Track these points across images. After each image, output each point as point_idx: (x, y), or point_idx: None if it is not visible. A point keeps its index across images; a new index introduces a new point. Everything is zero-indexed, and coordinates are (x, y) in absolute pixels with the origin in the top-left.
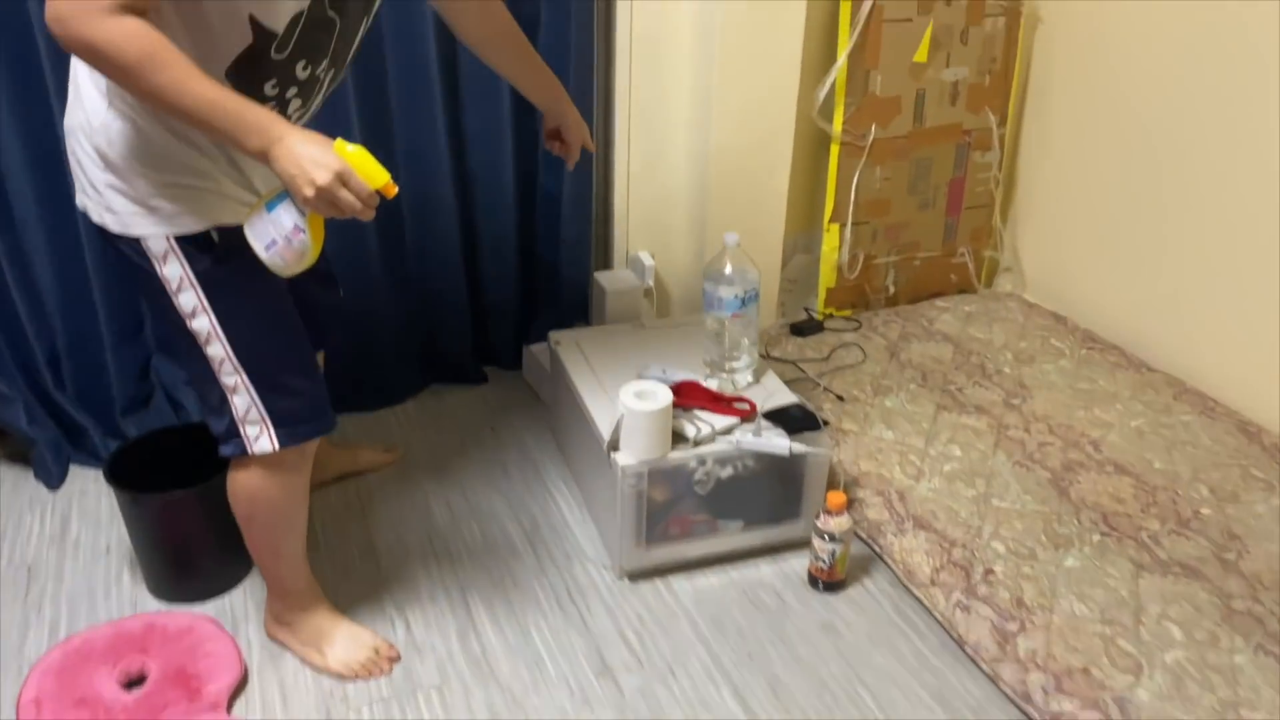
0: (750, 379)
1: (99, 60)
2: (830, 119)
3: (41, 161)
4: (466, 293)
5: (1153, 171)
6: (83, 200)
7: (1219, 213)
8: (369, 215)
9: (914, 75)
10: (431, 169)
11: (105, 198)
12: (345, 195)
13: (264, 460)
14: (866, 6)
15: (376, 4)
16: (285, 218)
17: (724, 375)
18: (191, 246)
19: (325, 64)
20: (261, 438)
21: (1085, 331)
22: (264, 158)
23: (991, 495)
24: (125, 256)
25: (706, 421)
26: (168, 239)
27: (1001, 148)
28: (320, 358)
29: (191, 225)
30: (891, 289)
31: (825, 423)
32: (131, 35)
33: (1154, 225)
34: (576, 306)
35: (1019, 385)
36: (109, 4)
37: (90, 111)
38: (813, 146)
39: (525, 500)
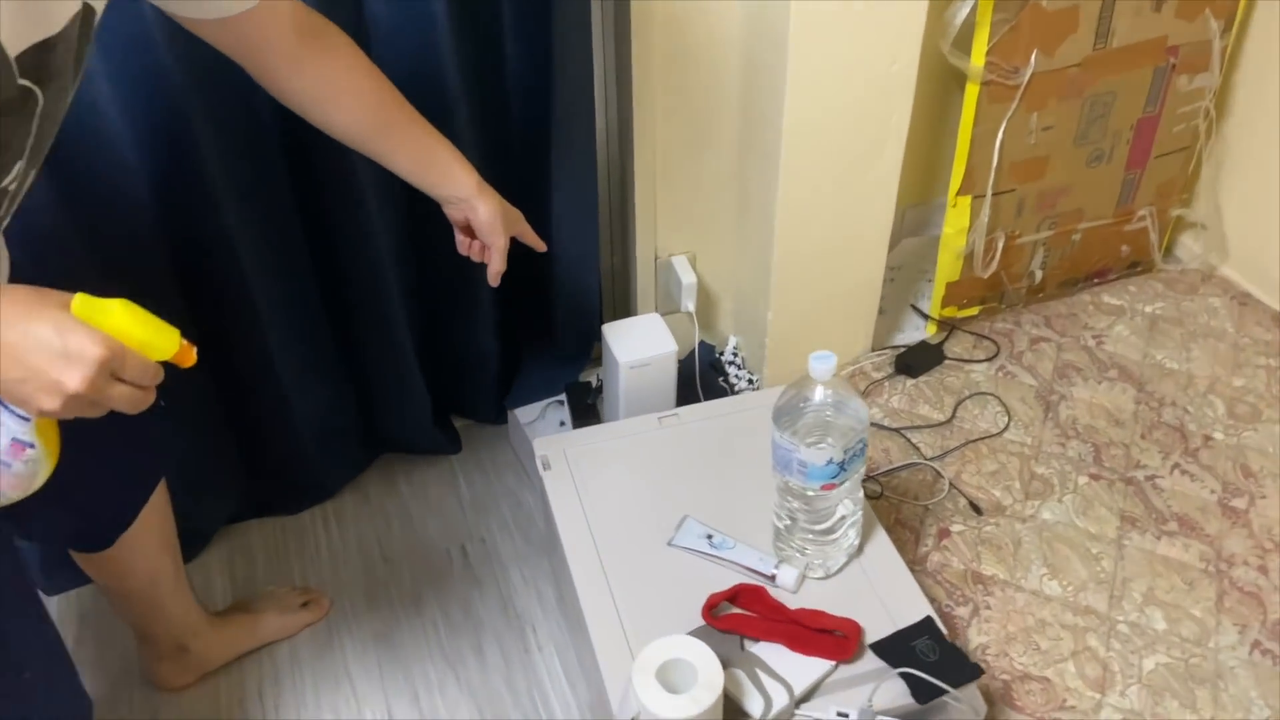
0: (846, 559)
1: None
2: (968, 51)
3: None
4: (415, 329)
5: None
6: None
7: None
8: (148, 401)
9: None
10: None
11: None
12: (117, 392)
13: None
14: None
15: (88, 59)
16: None
17: (805, 556)
18: None
19: (21, 166)
20: None
21: None
22: None
23: None
24: None
25: (780, 679)
26: None
27: (1221, 66)
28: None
29: None
30: (1038, 275)
31: (979, 669)
32: None
33: None
34: (581, 335)
35: (1241, 468)
36: None
37: None
38: (939, 90)
39: (507, 703)
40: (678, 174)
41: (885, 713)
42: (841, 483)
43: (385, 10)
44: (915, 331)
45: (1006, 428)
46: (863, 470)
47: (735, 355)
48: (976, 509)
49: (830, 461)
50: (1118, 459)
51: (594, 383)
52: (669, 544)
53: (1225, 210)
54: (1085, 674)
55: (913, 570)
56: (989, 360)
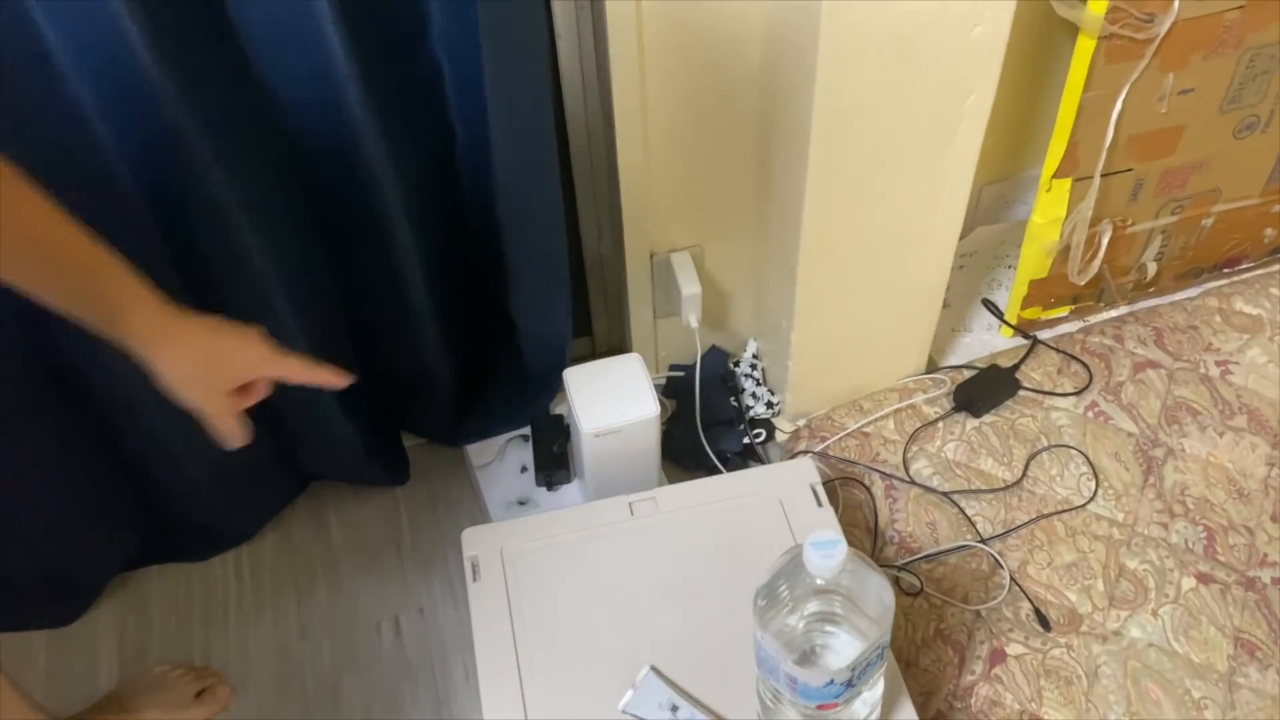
0: None
1: None
2: None
3: None
4: (347, 338)
5: None
6: None
7: None
8: None
9: None
10: (301, 80)
11: None
12: None
13: None
14: None
15: None
16: None
17: None
18: None
19: None
20: None
21: None
22: None
23: None
24: None
25: None
26: None
27: None
28: None
29: None
30: (1152, 269)
31: None
32: None
33: None
34: (554, 353)
35: None
36: None
37: None
38: (1043, 45)
39: None
40: (680, 154)
41: None
42: (848, 701)
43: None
44: (986, 334)
45: (1093, 497)
46: (881, 677)
47: (754, 366)
48: (1044, 621)
49: (833, 683)
50: (1238, 552)
51: (566, 418)
52: (621, 710)
53: None
54: None
55: (952, 708)
56: (1077, 394)
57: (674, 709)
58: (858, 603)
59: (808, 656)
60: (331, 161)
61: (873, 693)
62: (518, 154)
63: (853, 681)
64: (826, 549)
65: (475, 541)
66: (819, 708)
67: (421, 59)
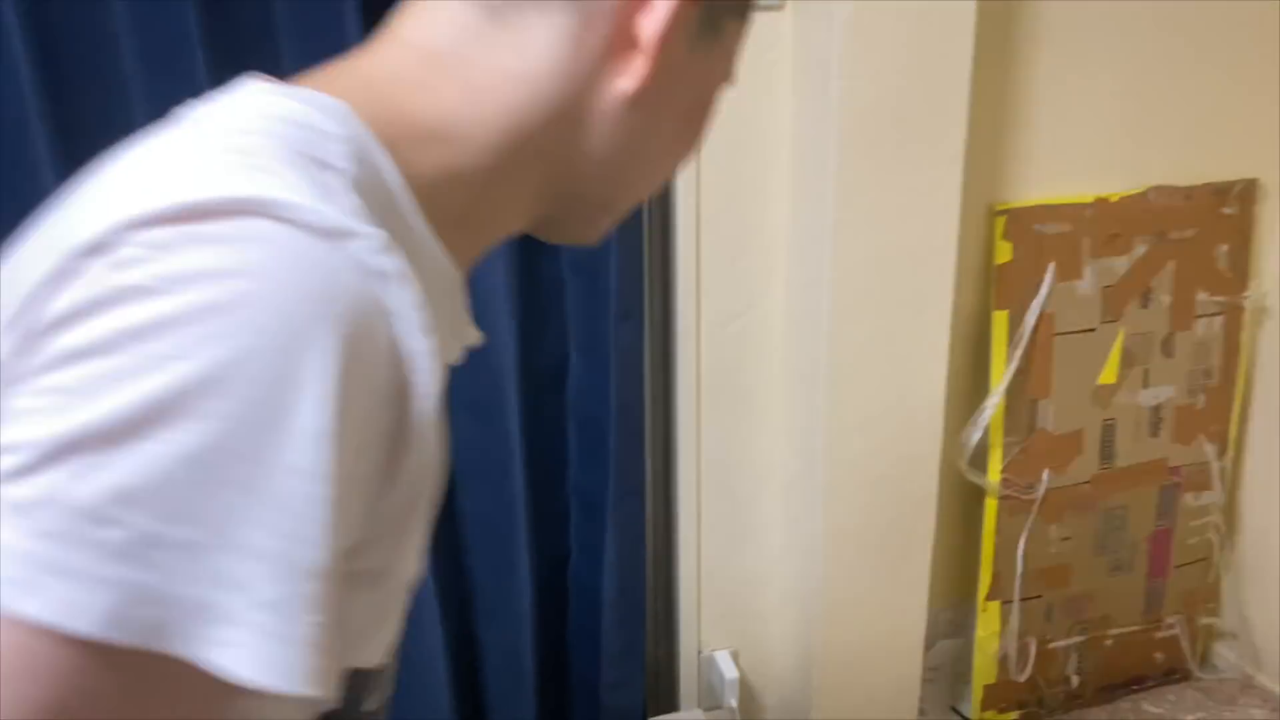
0: None
1: None
2: (984, 468)
3: None
4: None
5: None
6: None
7: None
8: None
9: (1099, 402)
10: None
11: None
12: None
13: None
14: (1031, 318)
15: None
16: None
17: None
18: None
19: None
20: None
21: None
22: None
23: None
24: None
25: None
26: None
27: (1223, 486)
28: None
29: None
30: (1075, 680)
31: None
32: None
33: None
34: None
35: None
36: None
37: None
38: (962, 502)
39: None
40: (721, 565)
41: None
42: None
43: None
44: None
45: None
46: None
47: None
48: None
49: None
50: None
51: None
52: None
53: (1253, 620)
54: None
55: None
56: None
57: None
58: None
59: None
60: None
61: None
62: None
63: None
64: None
65: None
66: None
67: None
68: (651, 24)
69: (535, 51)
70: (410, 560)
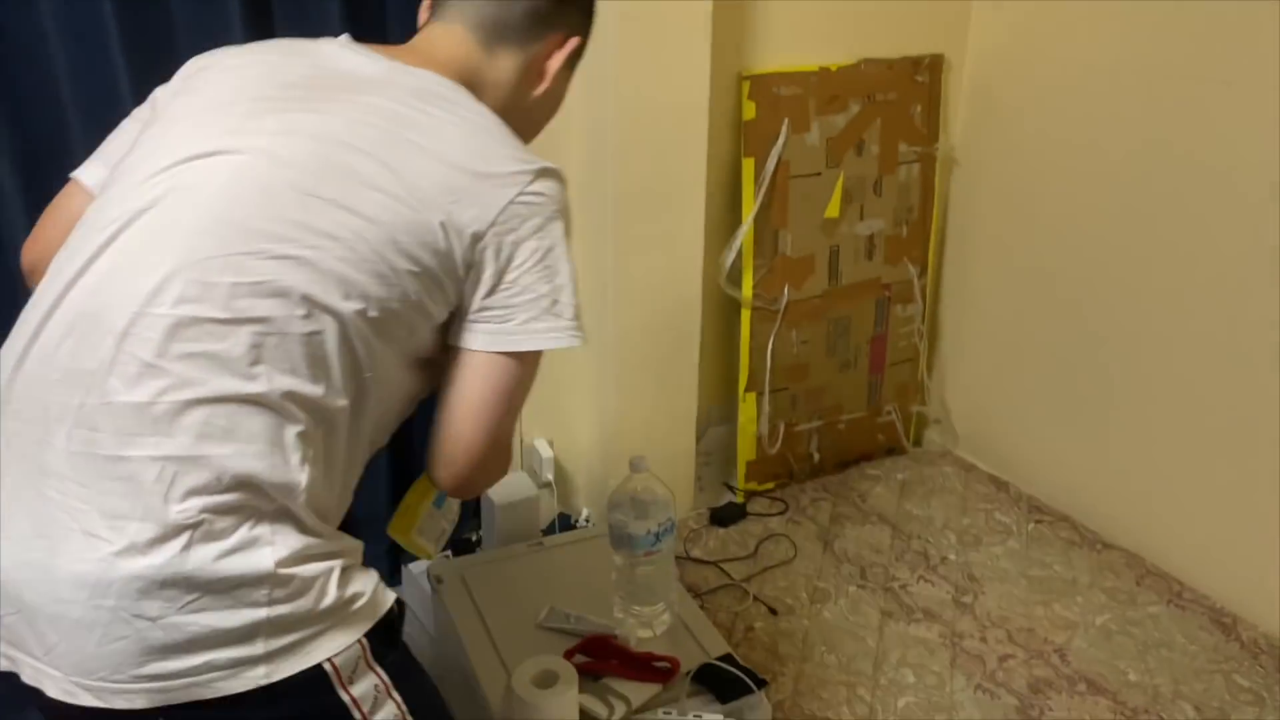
0: (669, 620)
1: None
2: (739, 285)
3: None
4: None
5: (1087, 318)
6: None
7: (1169, 363)
8: None
9: (826, 232)
10: None
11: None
12: None
13: None
14: (771, 164)
15: None
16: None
17: (638, 618)
18: (382, 637)
19: None
20: None
21: (1030, 499)
22: None
23: None
24: None
25: (620, 694)
26: (360, 642)
27: (924, 299)
28: None
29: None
30: (816, 456)
31: (764, 682)
32: None
33: (1095, 378)
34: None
35: (968, 577)
36: None
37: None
38: (723, 313)
39: None
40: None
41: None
42: (659, 551)
43: None
44: (727, 500)
45: (794, 558)
46: (673, 542)
47: (587, 522)
48: (773, 611)
49: (649, 534)
50: (879, 574)
51: (474, 539)
52: (538, 625)
53: (952, 408)
54: (856, 712)
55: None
56: (781, 514)
57: (570, 617)
58: (655, 501)
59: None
60: None
61: (671, 573)
62: None
63: (659, 536)
64: (643, 462)
65: (440, 571)
66: (646, 554)
67: None
68: (554, 63)
69: (505, 72)
70: None
